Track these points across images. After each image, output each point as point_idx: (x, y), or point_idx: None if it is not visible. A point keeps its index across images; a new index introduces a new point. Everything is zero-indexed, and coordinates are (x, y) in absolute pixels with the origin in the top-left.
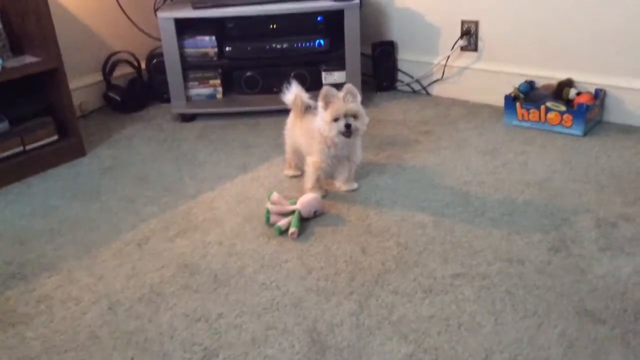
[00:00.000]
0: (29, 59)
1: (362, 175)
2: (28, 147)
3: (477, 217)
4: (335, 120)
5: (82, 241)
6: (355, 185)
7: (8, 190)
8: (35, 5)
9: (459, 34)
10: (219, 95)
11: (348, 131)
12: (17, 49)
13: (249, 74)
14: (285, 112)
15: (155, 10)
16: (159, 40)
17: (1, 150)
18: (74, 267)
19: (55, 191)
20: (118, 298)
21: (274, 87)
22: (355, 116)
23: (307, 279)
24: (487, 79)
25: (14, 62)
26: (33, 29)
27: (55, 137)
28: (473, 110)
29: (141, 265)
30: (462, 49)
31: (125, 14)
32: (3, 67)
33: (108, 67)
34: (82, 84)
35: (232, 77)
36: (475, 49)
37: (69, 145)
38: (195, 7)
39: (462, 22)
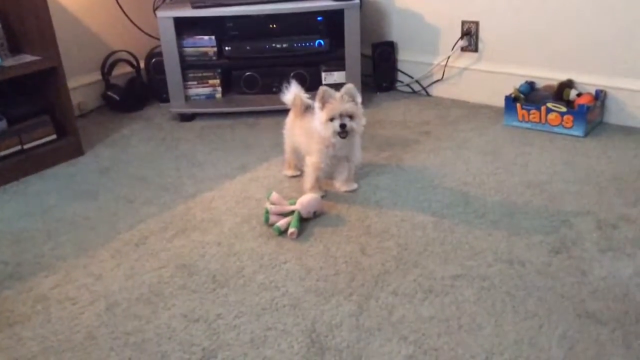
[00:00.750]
0: (27, 57)
1: (362, 175)
2: (26, 146)
3: (477, 218)
4: (331, 120)
5: (79, 241)
6: (354, 186)
7: (6, 189)
8: (34, 4)
9: (459, 34)
10: (218, 95)
11: (343, 131)
12: (15, 48)
13: (248, 73)
14: (285, 112)
15: (155, 10)
16: (158, 39)
17: None
18: (71, 267)
19: (53, 191)
20: (116, 298)
21: (274, 87)
22: (351, 116)
23: (307, 280)
24: (487, 79)
25: (12, 61)
26: (32, 28)
27: (53, 137)
28: (473, 110)
29: (139, 266)
30: (463, 49)
31: (125, 13)
32: (2, 66)
33: (107, 67)
34: (80, 83)
35: (231, 77)
36: (476, 50)
37: (67, 144)
38: (194, 7)
39: (463, 23)
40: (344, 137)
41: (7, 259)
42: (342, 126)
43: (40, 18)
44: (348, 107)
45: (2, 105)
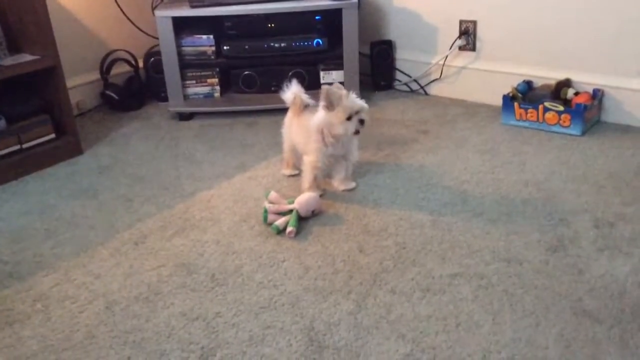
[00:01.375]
0: (26, 57)
1: (360, 174)
2: (25, 146)
3: (475, 217)
4: (349, 118)
5: (79, 240)
6: (352, 185)
7: (5, 188)
8: (33, 4)
9: (457, 33)
10: (217, 94)
11: (362, 127)
12: (14, 47)
13: (246, 72)
14: (283, 111)
15: (153, 9)
16: (157, 38)
17: None
18: (70, 266)
19: (52, 190)
20: (115, 297)
21: (272, 86)
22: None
23: (305, 278)
24: (485, 78)
25: (11, 60)
26: (30, 27)
27: (52, 136)
28: (471, 109)
29: (138, 264)
30: (460, 48)
31: (123, 13)
32: (1, 66)
33: (105, 66)
34: (79, 82)
35: (229, 76)
36: (474, 49)
37: (66, 143)
38: (192, 6)
39: (461, 22)
40: (358, 133)
41: (6, 257)
42: (362, 122)
43: (39, 17)
44: (361, 103)
45: (1, 105)
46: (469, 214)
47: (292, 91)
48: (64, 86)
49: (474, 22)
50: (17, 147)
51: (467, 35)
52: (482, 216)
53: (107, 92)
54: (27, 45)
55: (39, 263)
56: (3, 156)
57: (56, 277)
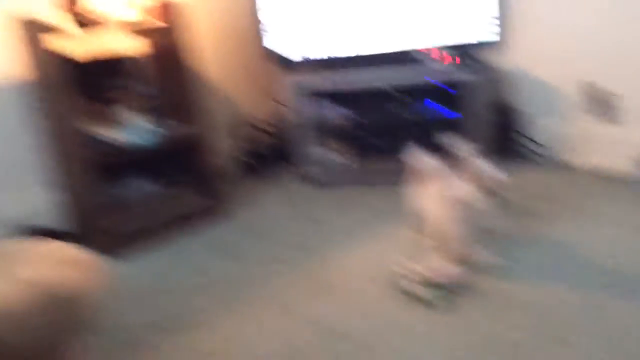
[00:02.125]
0: (178, 126)
1: (500, 246)
2: (177, 209)
3: (629, 295)
4: (485, 189)
5: (222, 299)
6: (492, 257)
7: (158, 247)
8: (186, 82)
9: (591, 100)
10: (351, 162)
11: (499, 199)
12: (162, 116)
13: (380, 142)
14: (417, 180)
15: (286, 79)
16: (290, 107)
17: (152, 212)
18: (214, 323)
19: (200, 250)
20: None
21: (405, 155)
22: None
23: (443, 351)
24: (622, 146)
25: (167, 130)
26: (179, 99)
27: (200, 199)
28: (611, 180)
29: (279, 326)
30: (595, 115)
31: (258, 82)
32: (164, 135)
33: (243, 132)
34: (219, 149)
35: (363, 145)
36: (615, 117)
37: (212, 206)
38: (325, 79)
39: (596, 88)
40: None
41: (151, 314)
42: (499, 194)
43: (189, 91)
44: (498, 174)
45: (156, 171)
46: (620, 292)
47: (421, 159)
48: (210, 153)
49: (611, 89)
50: (171, 209)
51: (603, 102)
52: (637, 295)
53: (244, 158)
54: (172, 113)
55: (183, 319)
56: (159, 218)
57: (201, 332)
